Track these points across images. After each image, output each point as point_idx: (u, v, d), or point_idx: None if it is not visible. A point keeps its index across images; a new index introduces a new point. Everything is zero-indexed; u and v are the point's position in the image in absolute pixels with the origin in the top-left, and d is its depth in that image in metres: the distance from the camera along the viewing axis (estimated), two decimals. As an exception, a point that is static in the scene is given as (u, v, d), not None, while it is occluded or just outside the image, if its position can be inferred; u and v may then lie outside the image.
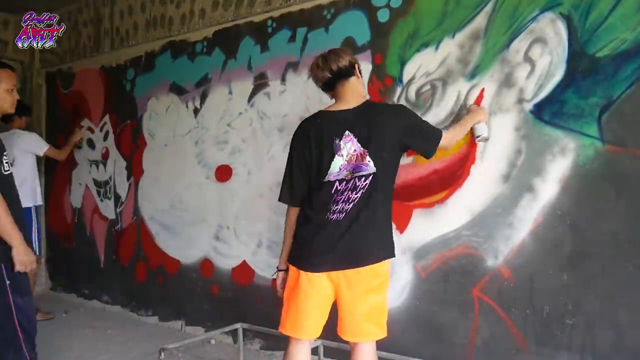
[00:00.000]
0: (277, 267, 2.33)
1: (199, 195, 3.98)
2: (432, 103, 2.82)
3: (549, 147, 2.47)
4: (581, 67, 2.39)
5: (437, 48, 2.80)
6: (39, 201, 4.61)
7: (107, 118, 4.78)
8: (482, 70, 2.66)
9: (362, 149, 2.03)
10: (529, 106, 2.53)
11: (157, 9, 4.28)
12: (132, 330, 4.11)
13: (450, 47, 2.76)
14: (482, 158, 2.66)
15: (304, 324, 2.12)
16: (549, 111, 2.47)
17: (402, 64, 2.92)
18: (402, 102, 2.92)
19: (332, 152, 2.05)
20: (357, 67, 2.20)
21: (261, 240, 3.58)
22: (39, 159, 4.75)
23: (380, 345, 2.81)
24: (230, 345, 3.68)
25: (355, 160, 2.04)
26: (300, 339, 2.15)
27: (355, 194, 2.04)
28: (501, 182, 2.60)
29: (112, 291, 4.72)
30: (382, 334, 2.16)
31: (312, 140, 2.10)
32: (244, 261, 3.67)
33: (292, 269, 2.17)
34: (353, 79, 2.17)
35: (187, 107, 4.06)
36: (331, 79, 2.15)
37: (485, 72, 2.65)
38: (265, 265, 3.55)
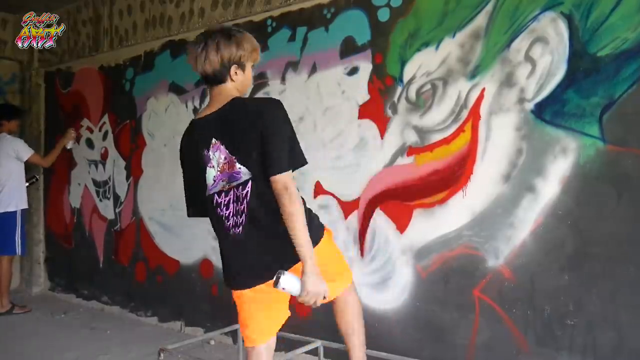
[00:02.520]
0: None
1: (198, 195, 3.97)
2: (432, 103, 2.81)
3: (549, 147, 2.46)
4: (582, 66, 2.38)
5: (437, 47, 2.79)
6: (24, 205, 4.65)
7: (106, 118, 4.76)
8: (483, 70, 2.65)
9: (231, 156, 1.85)
10: (529, 106, 2.52)
11: (157, 8, 4.26)
12: (131, 331, 4.09)
13: (450, 47, 2.75)
14: (482, 158, 2.64)
15: (245, 333, 2.03)
16: (550, 111, 2.46)
17: (403, 63, 2.91)
18: (402, 101, 2.91)
19: (204, 164, 1.91)
20: (235, 68, 1.90)
21: (261, 241, 3.56)
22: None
23: (381, 345, 2.80)
24: (230, 346, 3.67)
25: (228, 169, 1.86)
26: (253, 346, 2.03)
27: (240, 205, 1.86)
28: (502, 182, 2.59)
29: (111, 291, 4.71)
30: (345, 282, 2.12)
31: (186, 154, 2.00)
32: (244, 261, 3.66)
33: None
34: (225, 85, 1.92)
35: (186, 106, 4.05)
36: (203, 80, 1.96)
37: (486, 72, 2.64)
38: (265, 265, 3.53)
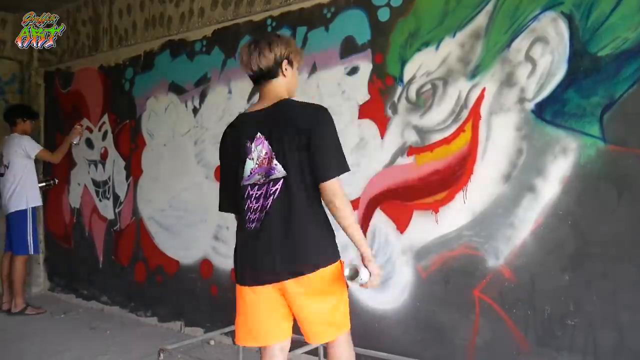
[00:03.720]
0: None
1: (198, 195, 3.97)
2: (432, 102, 2.81)
3: (550, 147, 2.45)
4: (583, 66, 2.38)
5: (437, 47, 2.79)
6: (36, 203, 4.62)
7: (105, 117, 4.76)
8: (483, 70, 2.65)
9: (271, 151, 1.89)
10: (530, 106, 2.52)
11: (156, 7, 4.26)
12: (131, 331, 4.09)
13: (451, 47, 2.74)
14: (483, 158, 2.64)
15: (259, 332, 2.00)
16: (550, 111, 2.46)
17: (403, 63, 2.90)
18: (403, 101, 2.90)
19: (244, 155, 1.94)
20: (286, 63, 1.98)
21: (261, 241, 3.56)
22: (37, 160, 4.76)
23: (381, 346, 2.80)
24: (229, 346, 3.67)
25: (267, 164, 1.90)
26: (267, 346, 2.03)
27: (266, 200, 1.90)
28: (502, 182, 2.59)
29: (110, 292, 4.70)
30: (342, 329, 2.00)
31: (229, 145, 2.02)
32: (244, 261, 3.65)
33: None
34: (277, 80, 1.99)
35: (186, 106, 4.05)
36: (253, 77, 2.02)
37: (486, 72, 2.64)
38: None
